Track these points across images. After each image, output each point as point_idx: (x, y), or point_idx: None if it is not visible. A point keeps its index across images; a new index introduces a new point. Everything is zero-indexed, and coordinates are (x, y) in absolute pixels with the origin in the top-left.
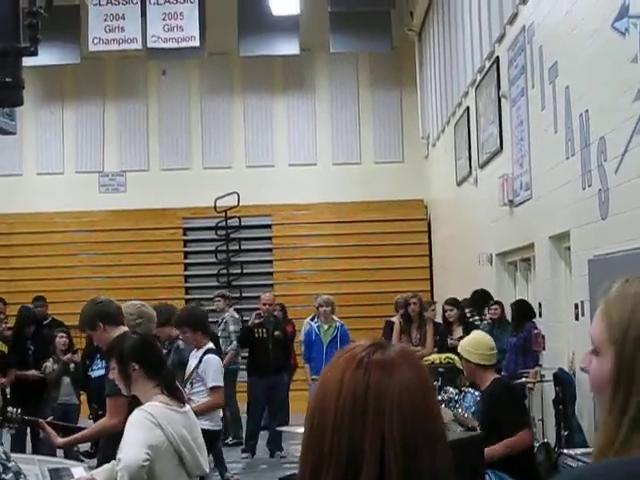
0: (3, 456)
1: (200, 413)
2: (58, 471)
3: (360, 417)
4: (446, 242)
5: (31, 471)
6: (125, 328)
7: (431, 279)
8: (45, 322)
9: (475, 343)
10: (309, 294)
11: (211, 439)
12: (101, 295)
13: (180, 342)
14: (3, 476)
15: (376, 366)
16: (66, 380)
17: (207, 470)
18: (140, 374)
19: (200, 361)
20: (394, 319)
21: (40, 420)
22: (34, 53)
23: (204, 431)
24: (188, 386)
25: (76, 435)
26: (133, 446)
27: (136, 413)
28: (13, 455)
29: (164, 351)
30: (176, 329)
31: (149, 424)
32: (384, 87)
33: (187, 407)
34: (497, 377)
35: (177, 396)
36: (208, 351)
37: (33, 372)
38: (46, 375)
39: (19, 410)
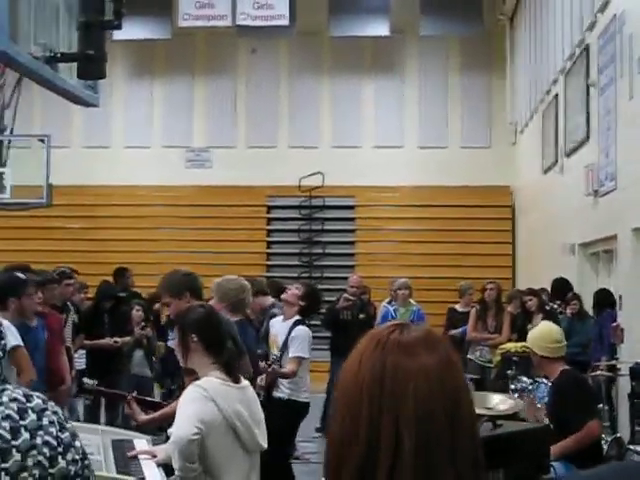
0: (62, 416)
1: (279, 380)
2: (121, 442)
3: (377, 397)
4: (530, 230)
5: (93, 441)
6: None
7: (514, 267)
8: (124, 294)
9: (541, 335)
10: (390, 277)
11: (295, 409)
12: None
13: (275, 310)
14: (59, 434)
15: (394, 346)
16: (139, 353)
17: (265, 446)
18: (199, 347)
19: (290, 331)
20: (457, 306)
21: (128, 395)
22: (118, 27)
23: (285, 401)
24: (277, 353)
25: (157, 414)
26: (184, 420)
27: (190, 388)
28: (80, 425)
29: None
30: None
31: (202, 398)
32: (473, 72)
33: (245, 382)
34: (565, 369)
35: (235, 372)
36: (298, 322)
37: (107, 340)
38: (121, 346)
39: (96, 382)
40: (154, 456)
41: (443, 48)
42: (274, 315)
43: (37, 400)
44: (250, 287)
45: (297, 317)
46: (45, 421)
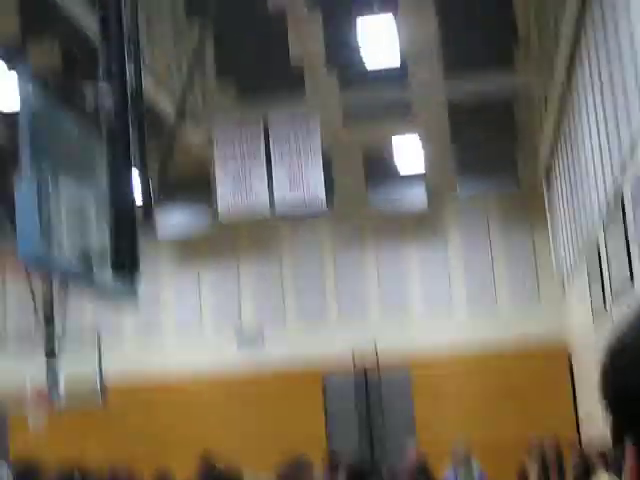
0: None
1: None
2: None
3: None
4: (588, 379)
5: None
6: None
7: (576, 423)
8: None
9: None
10: (451, 440)
11: None
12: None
13: None
14: None
15: None
16: None
17: None
18: None
19: None
20: (527, 465)
21: None
22: (149, 226)
23: None
24: None
25: None
26: None
27: None
28: None
29: None
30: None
31: None
32: (515, 228)
33: None
34: None
35: None
36: None
37: None
38: None
39: None
40: None
41: (482, 208)
42: None
43: None
44: None
45: None
46: None
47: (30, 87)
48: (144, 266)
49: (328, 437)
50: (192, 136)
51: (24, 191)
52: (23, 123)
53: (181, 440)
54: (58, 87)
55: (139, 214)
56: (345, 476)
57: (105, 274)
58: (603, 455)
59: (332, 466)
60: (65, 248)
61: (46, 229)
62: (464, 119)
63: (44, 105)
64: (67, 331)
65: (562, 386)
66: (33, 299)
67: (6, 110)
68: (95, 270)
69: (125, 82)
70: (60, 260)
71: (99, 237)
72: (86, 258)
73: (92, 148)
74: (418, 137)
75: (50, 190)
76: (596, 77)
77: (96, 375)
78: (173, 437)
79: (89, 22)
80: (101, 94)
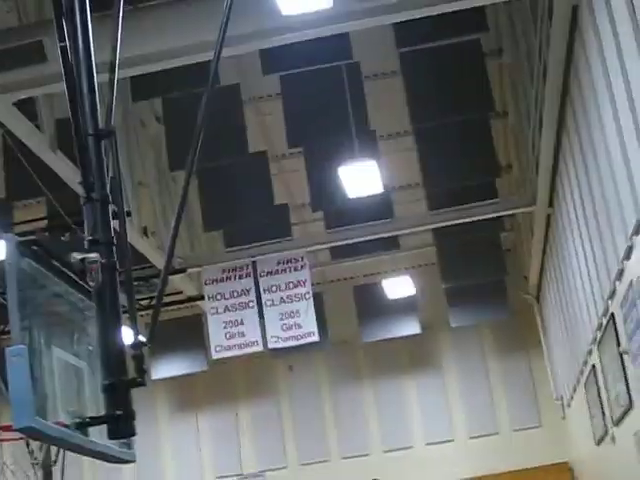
0: None
1: None
2: None
3: None
4: None
5: None
6: None
7: None
8: None
9: None
10: None
11: None
12: None
13: None
14: None
15: None
16: None
17: None
18: None
19: None
20: None
21: None
22: (142, 384)
23: None
24: None
25: None
26: None
27: None
28: None
29: None
30: None
31: None
32: (510, 353)
33: None
34: None
35: None
36: None
37: None
38: None
39: None
40: None
41: (476, 336)
42: None
43: None
44: None
45: None
46: None
47: (16, 257)
48: (140, 412)
49: None
50: (182, 285)
51: (15, 361)
52: (11, 292)
53: None
54: (45, 245)
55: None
56: None
57: (102, 439)
58: None
59: None
60: (60, 416)
61: (40, 398)
62: (451, 250)
63: (32, 268)
64: None
65: None
66: (31, 458)
67: None
68: (91, 435)
69: (110, 236)
70: (56, 429)
71: (94, 402)
72: (81, 424)
73: (80, 311)
74: (407, 270)
75: (42, 357)
76: (578, 199)
77: None
78: None
79: (73, 178)
80: (89, 260)
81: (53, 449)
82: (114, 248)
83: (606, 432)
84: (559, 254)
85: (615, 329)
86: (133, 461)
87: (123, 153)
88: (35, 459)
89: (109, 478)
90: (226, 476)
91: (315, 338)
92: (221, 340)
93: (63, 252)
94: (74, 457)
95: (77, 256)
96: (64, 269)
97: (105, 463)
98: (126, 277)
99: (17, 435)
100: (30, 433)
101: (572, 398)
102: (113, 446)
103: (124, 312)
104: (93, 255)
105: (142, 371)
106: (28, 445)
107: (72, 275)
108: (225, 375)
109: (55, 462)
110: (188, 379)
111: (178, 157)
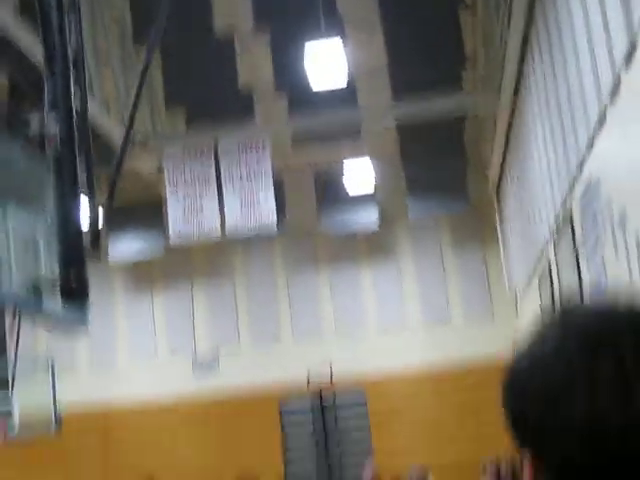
0: None
1: None
2: None
3: None
4: None
5: None
6: None
7: None
8: None
9: None
10: (410, 463)
11: None
12: None
13: None
14: None
15: None
16: None
17: None
18: None
19: None
20: None
21: None
22: (96, 257)
23: None
24: None
25: None
26: None
27: None
28: None
29: None
30: None
31: None
32: (467, 246)
33: None
34: None
35: None
36: None
37: None
38: None
39: None
40: None
41: (434, 228)
42: None
43: None
44: None
45: None
46: None
47: None
48: (97, 293)
49: (285, 462)
50: (142, 162)
51: None
52: None
53: (137, 466)
54: (3, 116)
55: (87, 241)
56: None
57: (55, 303)
58: None
59: None
60: (15, 278)
61: None
62: (413, 141)
63: None
64: (20, 360)
65: None
66: None
67: None
68: (45, 299)
69: (71, 109)
70: (10, 291)
71: (48, 266)
72: (36, 288)
73: (39, 177)
74: (368, 159)
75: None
76: (543, 95)
77: (50, 404)
78: (128, 463)
79: (36, 50)
80: (47, 122)
81: (7, 320)
82: (74, 121)
83: None
84: (520, 151)
85: (572, 226)
86: (87, 329)
87: (87, 28)
88: None
89: (63, 352)
90: (179, 355)
91: (273, 226)
92: (180, 225)
93: (24, 124)
94: (29, 329)
95: (37, 128)
96: (24, 141)
97: (60, 337)
98: (85, 150)
99: None
100: None
101: (525, 292)
102: (67, 313)
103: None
104: (53, 127)
105: (97, 241)
106: None
107: (31, 147)
108: (182, 258)
109: (4, 336)
110: (145, 262)
111: (142, 30)
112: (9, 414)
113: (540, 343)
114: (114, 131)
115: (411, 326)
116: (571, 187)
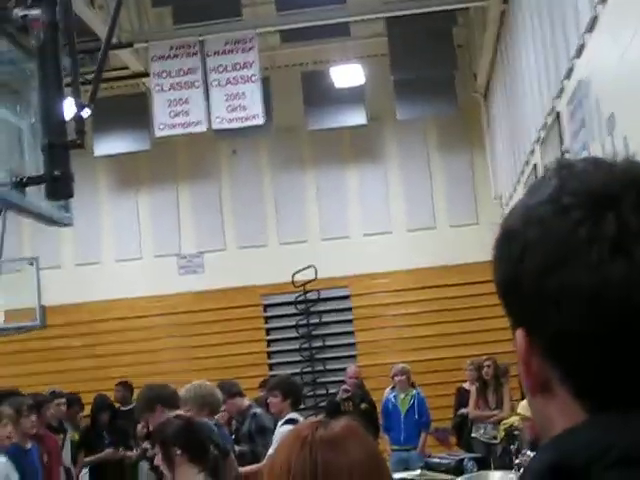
0: None
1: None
2: None
3: None
4: None
5: None
6: (180, 411)
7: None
8: (126, 408)
9: None
10: (392, 363)
11: None
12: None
13: (257, 410)
14: None
15: (321, 443)
16: (145, 466)
17: None
18: (183, 459)
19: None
20: (465, 385)
21: None
22: (81, 146)
23: None
24: None
25: None
26: None
27: None
28: None
29: (236, 423)
30: (267, 392)
31: None
32: (454, 150)
33: None
34: None
35: (222, 477)
36: (288, 421)
37: (107, 451)
38: (125, 459)
39: None
40: None
41: (421, 130)
42: (255, 414)
43: None
44: (205, 395)
45: (289, 415)
46: None
47: None
48: (81, 188)
49: (268, 354)
50: (129, 60)
51: None
52: None
53: (121, 363)
54: None
55: (72, 135)
56: (281, 396)
57: (39, 198)
58: None
59: (269, 387)
60: None
61: None
62: (403, 42)
63: None
64: (4, 258)
65: (500, 308)
66: None
67: None
68: (29, 194)
69: (55, 3)
70: None
71: (33, 161)
72: (19, 182)
73: (23, 71)
74: (356, 59)
75: None
76: None
77: (35, 299)
78: (113, 361)
79: None
80: (31, 17)
81: None
82: (57, 7)
83: None
84: (510, 52)
85: (559, 128)
86: (70, 224)
87: None
88: None
89: (49, 248)
90: (164, 255)
91: (260, 121)
92: (165, 118)
93: (5, 10)
94: (14, 227)
95: (19, 12)
96: (6, 26)
97: (45, 235)
98: (69, 39)
99: None
100: None
101: (511, 198)
102: (51, 208)
103: (66, 78)
104: (35, 12)
105: (82, 133)
106: None
107: (14, 33)
108: (168, 155)
109: None
110: (130, 157)
111: None
112: None
113: (534, 194)
114: (100, 28)
115: (395, 227)
116: (560, 91)
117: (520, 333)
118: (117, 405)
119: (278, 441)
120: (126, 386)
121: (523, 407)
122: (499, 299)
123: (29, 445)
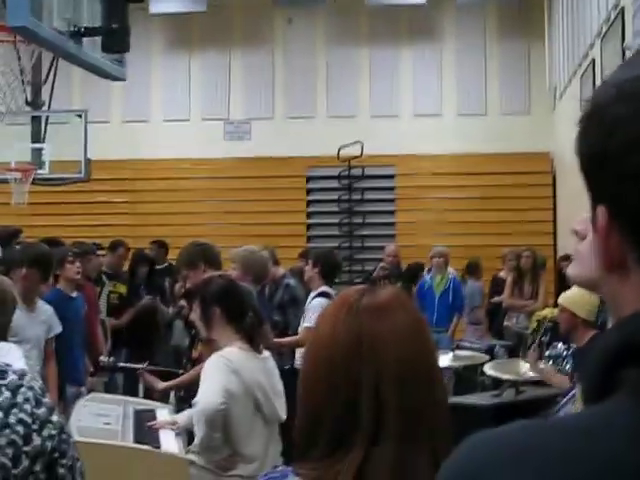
0: (39, 390)
1: (287, 349)
2: (142, 412)
3: (355, 361)
4: (570, 197)
5: (114, 411)
6: (225, 272)
7: (555, 233)
8: (160, 267)
9: (581, 296)
10: (431, 245)
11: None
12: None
13: (291, 280)
14: (35, 410)
15: (366, 310)
16: (179, 324)
17: (283, 417)
18: (221, 318)
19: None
20: (501, 274)
21: (139, 368)
22: (140, 0)
23: (295, 370)
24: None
25: (175, 382)
26: (211, 390)
27: (214, 358)
28: (103, 395)
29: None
30: (304, 263)
31: (226, 369)
32: (512, 38)
33: (266, 353)
34: (597, 333)
35: (257, 342)
36: (321, 293)
37: (147, 298)
38: (158, 314)
39: (112, 358)
40: (175, 424)
41: (480, 15)
42: (288, 284)
43: (12, 376)
44: (255, 260)
45: (322, 289)
46: (20, 398)
47: None
48: (134, 47)
49: (307, 226)
50: None
51: None
52: None
53: (160, 222)
54: None
55: None
56: (317, 267)
57: (95, 51)
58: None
59: (307, 256)
60: (55, 21)
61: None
62: None
63: None
64: (54, 108)
65: (544, 201)
66: (20, 68)
67: None
68: (85, 47)
69: None
70: (50, 33)
71: (90, 14)
72: (76, 33)
73: None
74: None
75: None
76: None
77: (81, 152)
78: (153, 220)
79: None
80: None
81: (44, 65)
82: None
83: None
84: None
85: (622, 23)
86: (123, 79)
87: None
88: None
89: (98, 102)
90: (212, 119)
91: None
92: None
93: None
94: (64, 75)
95: None
96: None
97: (95, 89)
98: None
99: (8, 37)
100: (24, 32)
101: (565, 90)
102: (106, 60)
103: None
104: None
105: None
106: (17, 51)
107: None
108: (223, 19)
109: (45, 81)
110: (185, 17)
111: None
112: (41, 162)
113: (628, 69)
114: None
115: (446, 112)
116: None
117: (601, 209)
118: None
119: (313, 312)
120: (161, 245)
121: (563, 297)
122: (581, 173)
123: (74, 293)
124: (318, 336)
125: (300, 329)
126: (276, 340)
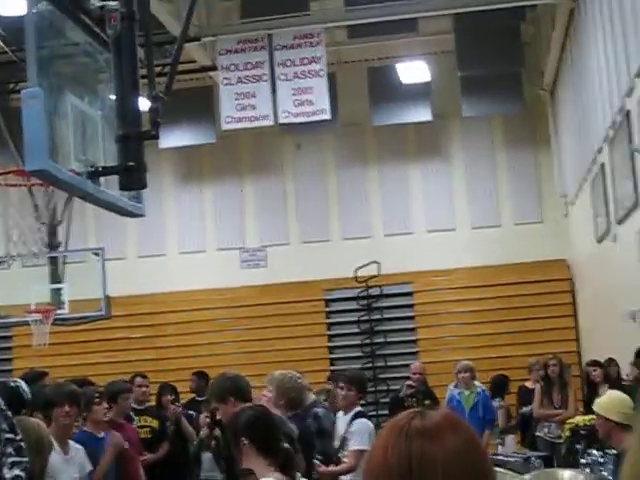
0: (7, 427)
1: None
2: None
3: None
4: (590, 301)
5: None
6: (261, 396)
7: (577, 340)
8: (201, 398)
9: (614, 401)
10: (454, 360)
11: None
12: (230, 370)
13: (319, 410)
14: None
15: (417, 433)
16: (207, 455)
17: None
18: (251, 449)
19: (350, 425)
20: (528, 383)
21: None
22: (155, 137)
23: None
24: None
25: None
26: None
27: None
28: None
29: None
30: (340, 385)
31: None
32: (519, 148)
33: None
34: None
35: (291, 471)
36: (358, 414)
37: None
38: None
39: None
40: None
41: (486, 127)
42: (317, 415)
43: None
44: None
45: (357, 409)
46: None
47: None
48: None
49: (329, 349)
50: (196, 54)
51: (31, 103)
52: (28, 31)
53: (181, 355)
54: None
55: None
56: (355, 390)
57: (113, 190)
58: (603, 368)
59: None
60: (73, 163)
61: (54, 143)
62: (470, 39)
63: (51, 14)
64: (70, 247)
65: (565, 308)
66: (36, 211)
67: (6, 14)
68: (102, 185)
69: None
70: (69, 175)
71: (106, 153)
72: (93, 174)
73: (99, 61)
74: (423, 56)
75: (58, 103)
76: None
77: (100, 289)
78: (173, 353)
79: None
80: (108, 8)
81: (59, 206)
82: (133, 1)
83: (608, 230)
84: (578, 49)
85: (629, 126)
86: (142, 215)
87: None
88: (39, 216)
89: (113, 239)
90: (227, 248)
91: (326, 116)
92: (232, 111)
93: (82, 1)
94: (79, 214)
95: (96, 3)
96: (83, 17)
97: (110, 224)
98: (144, 27)
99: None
100: (42, 176)
101: (577, 196)
102: (123, 198)
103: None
104: (113, 3)
105: (156, 124)
106: (32, 194)
107: (91, 24)
108: (232, 150)
109: (60, 221)
110: (195, 150)
111: None
112: (58, 299)
113: None
114: (169, 21)
115: (460, 226)
116: (630, 89)
117: None
118: (192, 395)
119: (359, 434)
120: (202, 376)
121: (596, 403)
122: None
123: (102, 434)
124: (372, 462)
125: (347, 453)
126: (327, 469)
